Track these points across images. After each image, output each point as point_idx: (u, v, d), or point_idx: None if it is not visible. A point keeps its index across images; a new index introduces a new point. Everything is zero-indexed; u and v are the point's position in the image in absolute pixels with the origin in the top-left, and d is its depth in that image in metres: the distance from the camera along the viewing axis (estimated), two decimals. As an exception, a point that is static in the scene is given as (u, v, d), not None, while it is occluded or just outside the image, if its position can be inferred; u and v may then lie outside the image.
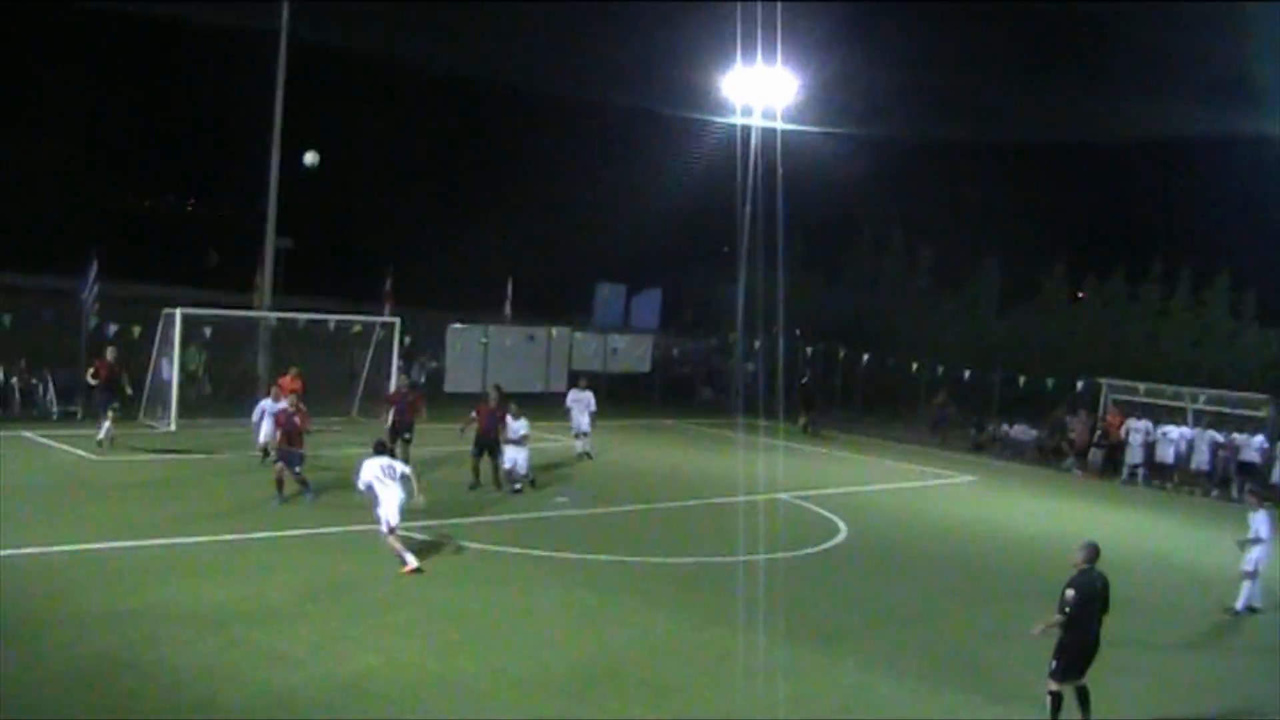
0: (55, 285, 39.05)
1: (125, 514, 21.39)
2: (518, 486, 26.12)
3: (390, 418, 27.00)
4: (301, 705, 13.07)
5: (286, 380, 27.72)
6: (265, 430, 26.20)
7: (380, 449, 19.85)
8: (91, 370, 28.22)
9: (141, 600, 16.22)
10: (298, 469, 23.23)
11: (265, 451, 26.28)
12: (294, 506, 22.70)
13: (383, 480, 19.00)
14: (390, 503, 18.87)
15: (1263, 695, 17.05)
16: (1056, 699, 14.08)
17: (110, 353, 28.44)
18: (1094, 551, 14.31)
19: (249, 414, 27.53)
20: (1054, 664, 14.08)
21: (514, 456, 26.09)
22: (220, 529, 20.58)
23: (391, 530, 18.93)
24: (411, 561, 18.71)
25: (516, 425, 26.07)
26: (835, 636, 17.61)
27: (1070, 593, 13.99)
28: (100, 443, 27.43)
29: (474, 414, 26.39)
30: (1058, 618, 13.99)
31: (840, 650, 16.92)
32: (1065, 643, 14.03)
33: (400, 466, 19.53)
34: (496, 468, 26.17)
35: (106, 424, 27.61)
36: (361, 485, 19.26)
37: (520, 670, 14.76)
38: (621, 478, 30.26)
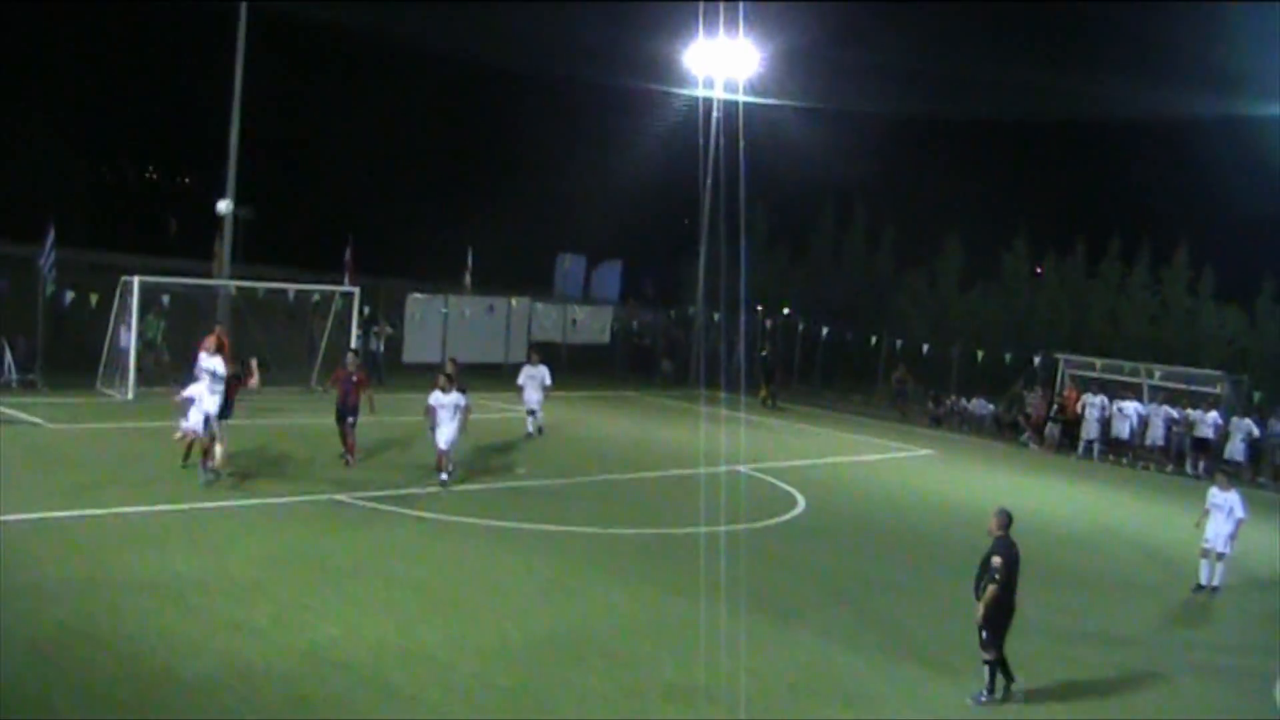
0: (12, 253, 38.66)
1: (83, 483, 21.18)
2: (443, 476, 23.46)
3: (337, 396, 25.05)
4: (261, 675, 13.05)
5: (210, 340, 26.63)
6: (194, 416, 22.05)
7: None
8: None
9: (99, 570, 16.14)
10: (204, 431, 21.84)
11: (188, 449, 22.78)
12: (252, 478, 22.55)
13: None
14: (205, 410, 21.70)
15: (1225, 668, 17.35)
16: (993, 668, 14.36)
17: None
18: (1008, 518, 14.59)
19: None
20: (985, 635, 14.31)
21: (446, 436, 23.40)
22: (178, 498, 20.46)
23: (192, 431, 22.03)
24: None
25: (447, 399, 23.41)
26: (794, 609, 17.72)
27: (997, 560, 14.27)
28: None
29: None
30: (993, 588, 14.16)
31: (799, 622, 17.06)
32: (992, 612, 14.21)
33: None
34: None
35: None
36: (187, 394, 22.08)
37: (480, 640, 14.81)
38: (581, 449, 30.27)
